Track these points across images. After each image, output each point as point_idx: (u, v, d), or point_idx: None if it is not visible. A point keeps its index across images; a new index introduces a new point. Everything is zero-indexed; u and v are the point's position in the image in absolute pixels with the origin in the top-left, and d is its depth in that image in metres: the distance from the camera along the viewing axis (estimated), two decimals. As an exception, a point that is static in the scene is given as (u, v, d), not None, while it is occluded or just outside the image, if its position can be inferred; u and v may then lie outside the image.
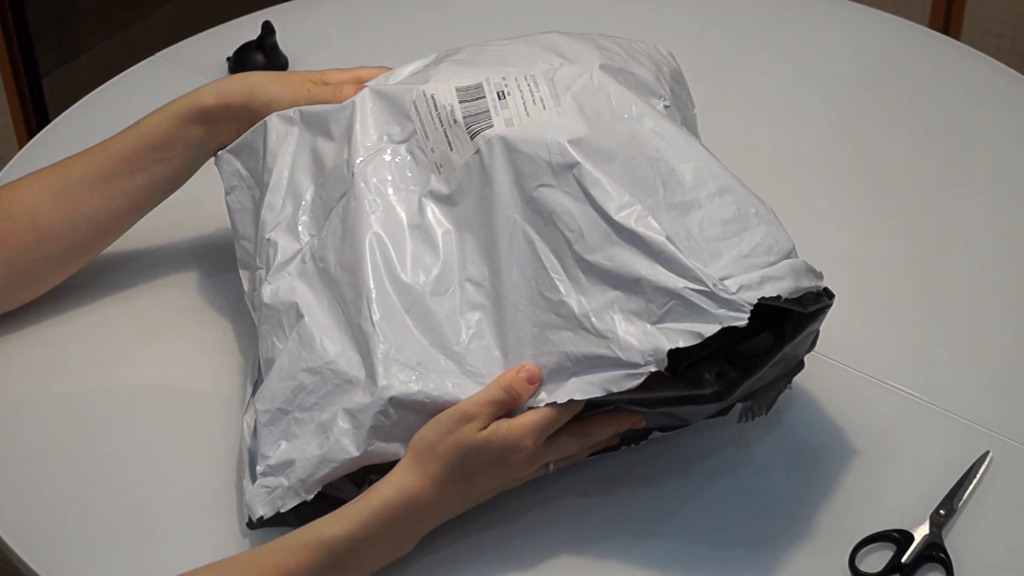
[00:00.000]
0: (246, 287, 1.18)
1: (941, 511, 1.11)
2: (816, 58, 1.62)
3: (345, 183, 1.12)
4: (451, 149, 1.11)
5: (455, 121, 1.11)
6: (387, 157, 1.13)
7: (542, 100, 1.11)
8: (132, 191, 1.23)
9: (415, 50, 1.25)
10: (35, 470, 1.16)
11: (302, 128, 1.18)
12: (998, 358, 1.26)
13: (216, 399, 1.20)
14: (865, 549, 1.09)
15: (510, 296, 1.07)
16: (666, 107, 1.18)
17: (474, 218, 1.10)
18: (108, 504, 1.13)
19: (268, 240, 1.14)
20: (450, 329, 1.07)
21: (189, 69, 1.57)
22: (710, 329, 1.01)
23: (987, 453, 1.16)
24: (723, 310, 1.02)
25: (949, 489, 1.13)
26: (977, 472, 1.14)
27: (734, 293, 1.02)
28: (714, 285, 1.02)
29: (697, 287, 1.02)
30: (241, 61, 1.54)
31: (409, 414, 1.05)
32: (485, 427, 1.04)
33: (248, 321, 1.19)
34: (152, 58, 1.62)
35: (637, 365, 1.02)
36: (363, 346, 1.07)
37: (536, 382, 1.05)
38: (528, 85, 1.13)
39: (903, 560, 1.08)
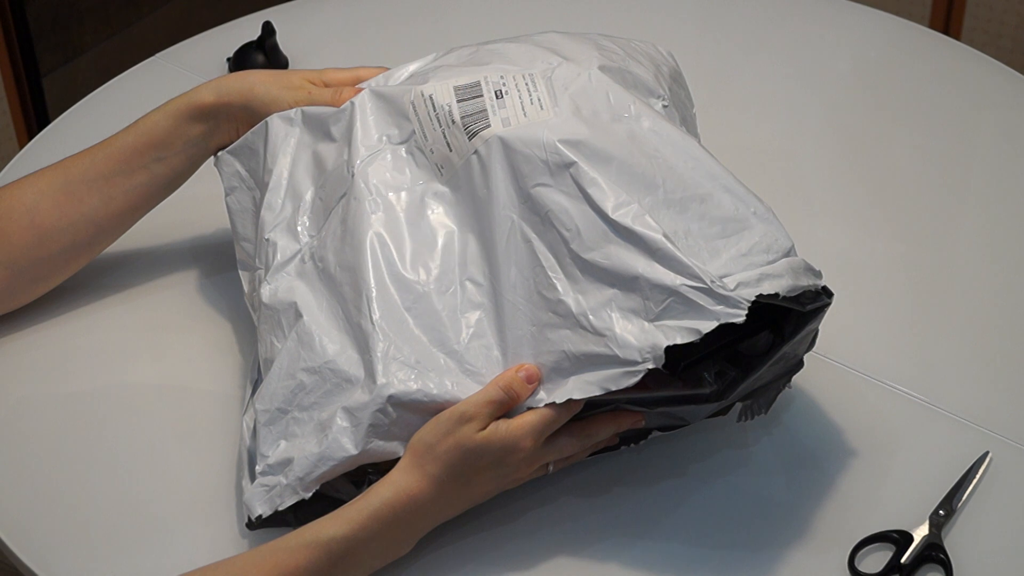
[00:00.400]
0: (246, 288, 1.18)
1: (940, 511, 1.11)
2: (816, 58, 1.62)
3: (345, 184, 1.13)
4: (450, 150, 1.12)
5: (453, 121, 1.11)
6: (388, 158, 1.13)
7: (539, 100, 1.12)
8: (132, 189, 1.23)
9: (415, 50, 1.25)
10: (35, 470, 1.16)
11: (303, 129, 1.18)
12: (998, 358, 1.26)
13: (217, 399, 1.20)
14: (864, 549, 1.09)
15: (509, 295, 1.07)
16: (665, 107, 1.18)
17: (474, 218, 1.10)
18: (108, 505, 1.13)
19: (267, 240, 1.14)
20: (450, 328, 1.07)
21: (189, 69, 1.57)
22: (708, 325, 1.01)
23: (987, 453, 1.16)
24: (721, 306, 1.02)
25: (949, 489, 1.13)
26: (977, 472, 1.14)
27: (732, 290, 1.02)
28: (712, 282, 1.02)
29: (695, 284, 1.02)
30: (241, 61, 1.54)
31: (408, 413, 1.05)
32: (484, 428, 1.04)
33: (249, 321, 1.19)
34: (152, 58, 1.62)
35: (635, 362, 1.02)
36: (362, 345, 1.07)
37: (534, 382, 1.05)
38: (526, 84, 1.13)
39: (902, 560, 1.08)
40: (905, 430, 1.19)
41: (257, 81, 1.22)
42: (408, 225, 1.11)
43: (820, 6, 1.70)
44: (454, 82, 1.14)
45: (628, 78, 1.17)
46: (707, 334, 1.02)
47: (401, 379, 1.05)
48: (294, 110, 1.18)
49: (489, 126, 1.10)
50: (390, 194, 1.12)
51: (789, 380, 1.13)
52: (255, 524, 1.07)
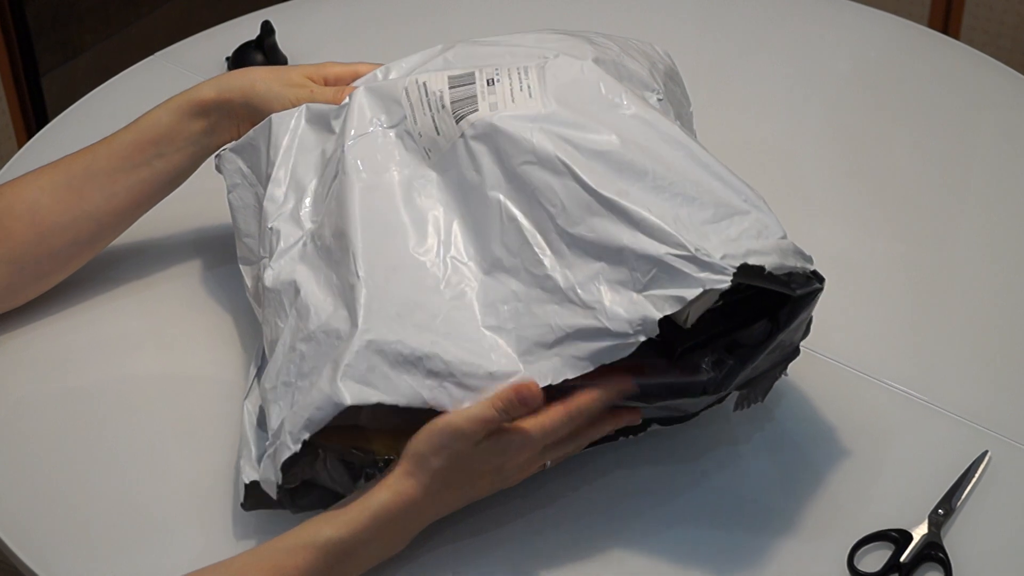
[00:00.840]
0: (248, 283, 1.18)
1: (940, 511, 1.11)
2: (816, 58, 1.62)
3: (337, 163, 1.13)
4: (438, 133, 1.12)
5: (443, 106, 1.12)
6: (378, 139, 1.14)
7: (529, 87, 1.12)
8: (134, 186, 1.23)
9: (415, 50, 1.25)
10: (35, 469, 1.16)
11: (306, 125, 1.18)
12: (998, 357, 1.26)
13: (219, 397, 1.20)
14: (864, 549, 1.09)
15: (495, 273, 1.07)
16: (659, 100, 1.18)
17: (461, 200, 1.11)
18: (108, 504, 1.13)
19: (271, 229, 1.14)
20: (434, 293, 1.07)
21: (189, 69, 1.57)
22: (692, 292, 1.02)
23: (986, 452, 1.16)
24: (706, 273, 1.02)
25: (948, 489, 1.13)
26: (976, 472, 1.14)
27: (718, 259, 1.02)
28: (696, 249, 1.03)
29: (679, 252, 1.03)
30: (240, 61, 1.55)
31: (384, 364, 1.03)
32: (478, 443, 1.03)
33: (251, 316, 1.19)
34: (152, 58, 1.62)
35: (626, 335, 1.02)
36: (349, 300, 1.06)
37: (530, 403, 1.03)
38: (518, 73, 1.14)
39: (902, 560, 1.08)
40: (905, 429, 1.19)
41: (258, 78, 1.22)
42: (397, 204, 1.11)
43: (820, 6, 1.70)
44: (449, 72, 1.15)
45: (622, 71, 1.18)
46: (703, 319, 1.02)
47: (381, 327, 1.04)
48: (297, 108, 1.19)
49: (476, 110, 1.11)
50: (379, 172, 1.12)
51: (785, 368, 1.13)
52: (249, 505, 1.06)
